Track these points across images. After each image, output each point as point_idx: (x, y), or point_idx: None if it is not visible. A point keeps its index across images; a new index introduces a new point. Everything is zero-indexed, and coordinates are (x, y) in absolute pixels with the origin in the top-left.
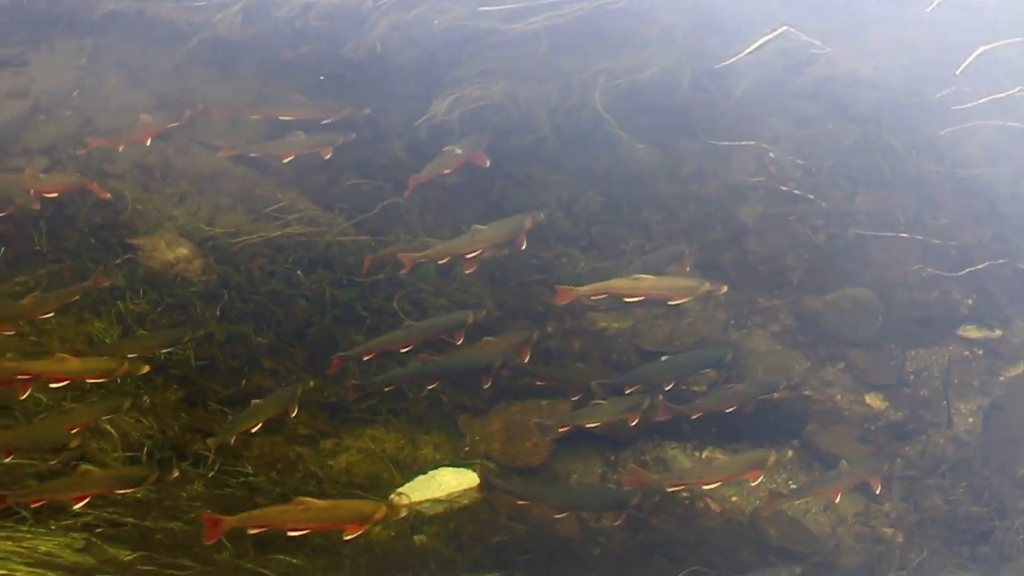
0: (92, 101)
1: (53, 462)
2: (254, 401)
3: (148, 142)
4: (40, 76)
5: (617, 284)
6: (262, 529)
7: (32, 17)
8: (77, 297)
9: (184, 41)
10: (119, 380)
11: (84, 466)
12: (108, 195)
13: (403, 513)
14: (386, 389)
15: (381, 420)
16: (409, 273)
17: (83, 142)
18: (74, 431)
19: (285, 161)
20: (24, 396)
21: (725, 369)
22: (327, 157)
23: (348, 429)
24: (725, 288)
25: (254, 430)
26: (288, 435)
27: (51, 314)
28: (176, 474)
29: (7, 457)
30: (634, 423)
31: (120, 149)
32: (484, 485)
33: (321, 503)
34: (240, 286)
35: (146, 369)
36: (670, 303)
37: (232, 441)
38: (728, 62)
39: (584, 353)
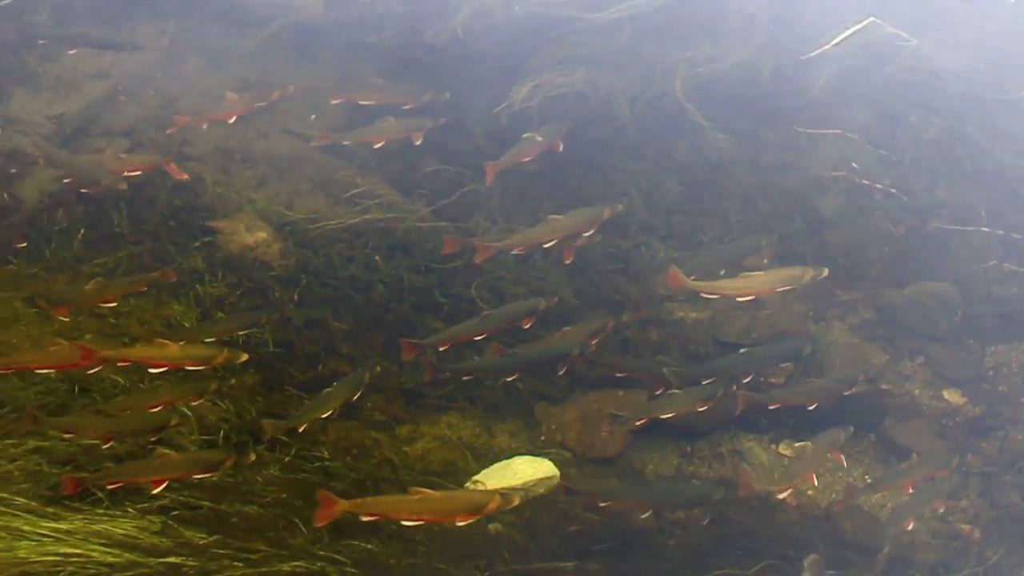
0: (173, 83)
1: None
2: (325, 390)
3: (232, 120)
4: (122, 57)
5: (728, 285)
6: (375, 517)
7: None
8: (143, 288)
9: (265, 25)
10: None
11: (162, 450)
12: (185, 175)
13: (516, 503)
14: (464, 379)
15: (457, 407)
16: (487, 260)
17: (172, 119)
18: (157, 409)
19: (376, 147)
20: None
21: (803, 362)
22: (418, 143)
23: (424, 416)
24: (826, 271)
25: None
26: (364, 421)
27: (113, 303)
28: (253, 458)
29: (108, 443)
30: (703, 409)
31: (205, 126)
32: (564, 490)
33: (436, 494)
34: (319, 271)
35: (244, 357)
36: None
37: (301, 428)
38: (814, 54)
39: (661, 343)
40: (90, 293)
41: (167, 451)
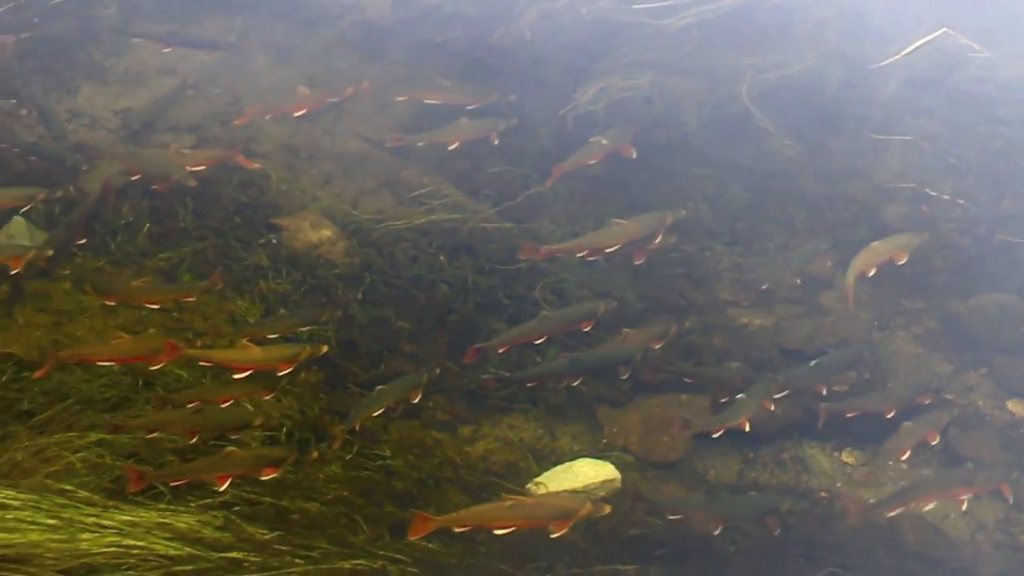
0: (240, 80)
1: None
2: (378, 387)
3: (302, 113)
4: (189, 54)
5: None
6: (467, 528)
7: None
8: (190, 298)
9: (332, 23)
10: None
11: (227, 447)
12: (256, 165)
13: (606, 512)
14: (528, 385)
15: (520, 408)
16: (552, 262)
17: (240, 112)
18: (227, 405)
19: (451, 148)
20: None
21: (866, 369)
22: (495, 143)
23: (486, 416)
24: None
25: (378, 413)
26: (426, 420)
27: (156, 305)
28: (315, 456)
29: (193, 438)
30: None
31: (270, 117)
32: (632, 501)
33: (528, 500)
34: (383, 270)
35: (325, 349)
36: None
37: (356, 427)
38: (884, 63)
39: (724, 349)
40: (135, 290)
41: (232, 448)
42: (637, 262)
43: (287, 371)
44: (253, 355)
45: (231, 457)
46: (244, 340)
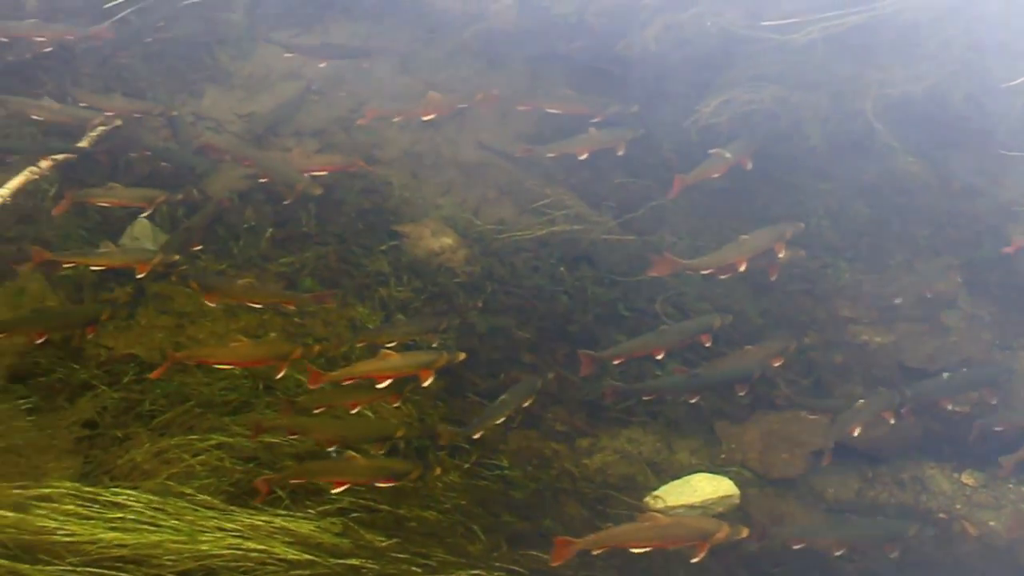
0: (364, 85)
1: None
2: (501, 397)
3: (430, 117)
4: (313, 59)
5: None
6: (606, 549)
7: None
8: (291, 306)
9: (457, 31)
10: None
11: (350, 453)
12: (372, 168)
13: (743, 535)
14: (645, 398)
15: (638, 421)
16: (673, 275)
17: (361, 111)
18: (356, 410)
19: (581, 158)
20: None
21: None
22: (620, 153)
23: (605, 428)
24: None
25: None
26: (545, 431)
27: (259, 305)
28: (438, 471)
29: (333, 447)
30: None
31: (400, 120)
32: (758, 534)
33: (666, 521)
34: (503, 279)
35: (462, 357)
36: None
37: (478, 436)
38: (1015, 83)
39: (845, 367)
40: (238, 288)
41: (355, 455)
42: (772, 277)
43: (429, 379)
44: (394, 363)
45: (353, 464)
46: (384, 350)
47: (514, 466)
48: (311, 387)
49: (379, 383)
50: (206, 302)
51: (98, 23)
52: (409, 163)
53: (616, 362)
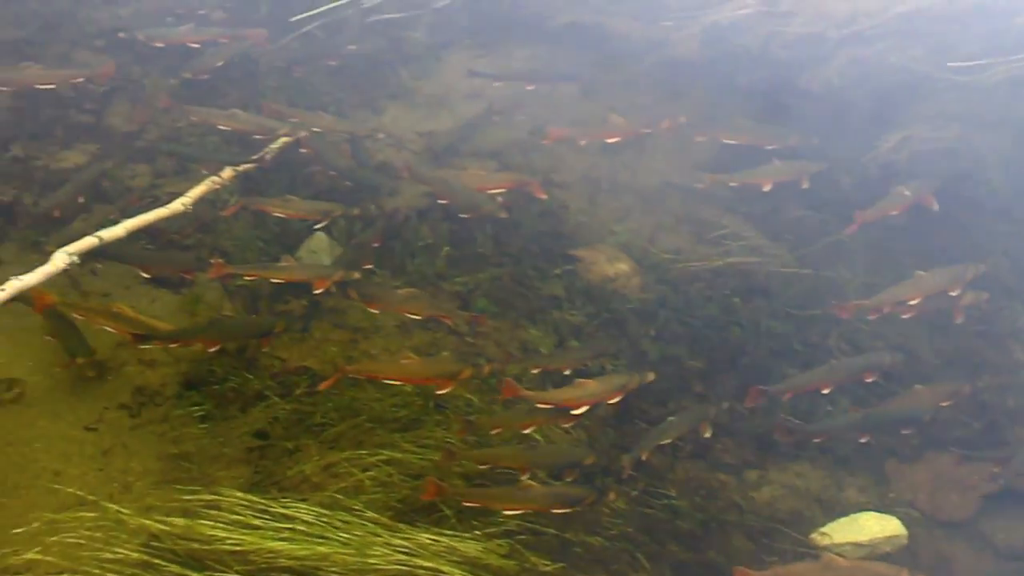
0: (544, 108)
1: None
2: (669, 418)
3: (614, 141)
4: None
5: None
6: None
7: (492, 21)
8: (448, 321)
9: (639, 59)
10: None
11: (525, 479)
12: (544, 195)
13: None
14: (815, 440)
15: (807, 456)
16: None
17: (541, 134)
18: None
19: (765, 189)
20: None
21: None
22: (804, 186)
23: (773, 462)
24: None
25: (665, 443)
26: (713, 462)
27: (418, 316)
28: (613, 497)
29: (526, 474)
30: None
31: (585, 143)
32: None
33: (844, 563)
34: (677, 308)
35: (652, 377)
36: None
37: (644, 457)
38: None
39: (1018, 410)
40: (398, 298)
41: (530, 481)
42: (957, 320)
43: (616, 400)
44: (591, 389)
45: (528, 490)
46: (573, 378)
47: (681, 496)
48: (505, 397)
49: (574, 410)
50: (370, 311)
51: (284, 36)
52: (586, 187)
53: (787, 396)
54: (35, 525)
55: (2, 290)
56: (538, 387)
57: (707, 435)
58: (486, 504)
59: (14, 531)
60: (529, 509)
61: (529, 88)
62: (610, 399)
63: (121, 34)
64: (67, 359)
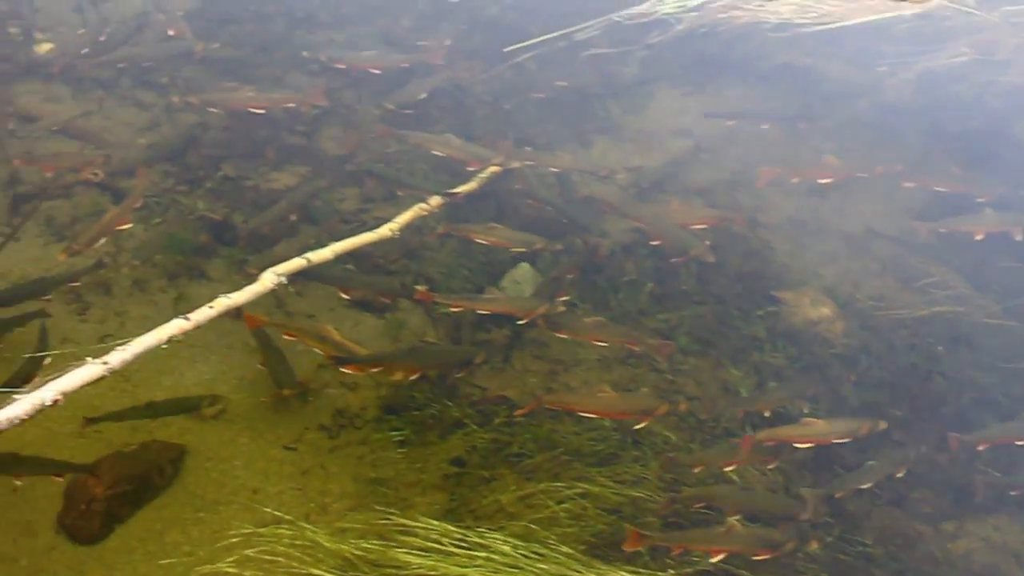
0: (753, 148)
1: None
2: (868, 463)
3: (827, 181)
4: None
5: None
6: None
7: (704, 59)
8: (635, 348)
9: (851, 101)
10: None
11: (731, 520)
12: (746, 228)
13: None
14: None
15: (1006, 510)
16: None
17: (750, 173)
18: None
19: (977, 238)
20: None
21: None
22: (1019, 238)
23: (971, 514)
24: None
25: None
26: (910, 511)
27: (604, 344)
28: (815, 546)
29: (737, 514)
30: None
31: (796, 180)
32: None
33: None
34: (879, 354)
35: (884, 426)
36: None
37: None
38: None
39: None
40: (585, 326)
41: (734, 522)
42: None
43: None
44: (819, 431)
45: (731, 533)
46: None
47: (876, 544)
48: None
49: (802, 444)
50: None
51: (496, 65)
52: (792, 230)
53: (981, 447)
54: (233, 540)
55: (211, 307)
56: (740, 428)
57: (900, 475)
58: (691, 546)
59: (212, 546)
60: (732, 552)
61: (764, 127)
62: (837, 441)
63: (323, 57)
64: (274, 389)
